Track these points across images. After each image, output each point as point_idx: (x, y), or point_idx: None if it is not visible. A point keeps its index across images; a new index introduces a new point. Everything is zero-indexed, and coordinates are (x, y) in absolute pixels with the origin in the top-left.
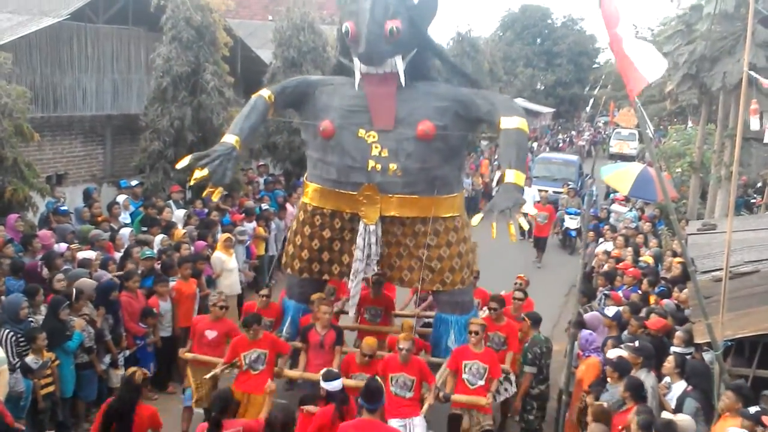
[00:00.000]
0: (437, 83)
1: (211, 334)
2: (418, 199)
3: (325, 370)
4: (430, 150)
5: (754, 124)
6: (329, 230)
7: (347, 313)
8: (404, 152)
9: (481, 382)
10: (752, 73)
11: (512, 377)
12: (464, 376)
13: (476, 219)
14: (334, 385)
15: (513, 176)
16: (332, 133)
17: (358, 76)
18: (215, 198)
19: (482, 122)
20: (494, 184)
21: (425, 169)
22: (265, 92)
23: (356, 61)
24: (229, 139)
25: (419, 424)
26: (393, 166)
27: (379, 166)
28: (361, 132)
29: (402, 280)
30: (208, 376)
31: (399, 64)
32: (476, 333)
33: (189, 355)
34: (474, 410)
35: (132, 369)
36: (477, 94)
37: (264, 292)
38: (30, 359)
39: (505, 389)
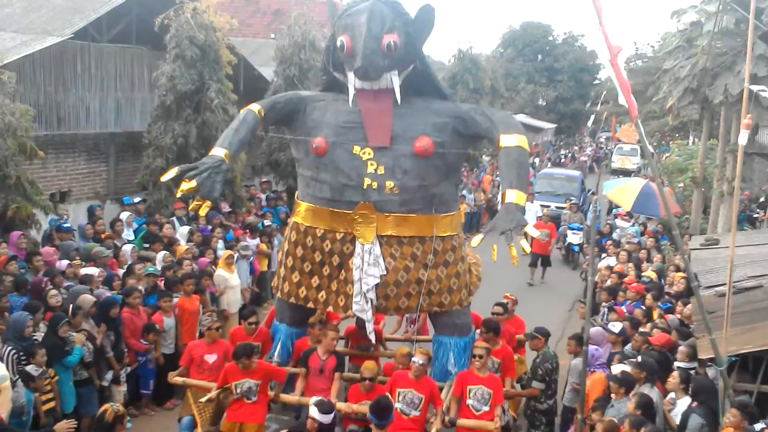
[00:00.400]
0: (434, 99)
1: (210, 358)
2: (415, 218)
3: (318, 400)
4: (428, 167)
5: (742, 138)
6: (319, 252)
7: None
8: (401, 169)
9: (486, 408)
10: (753, 87)
11: (506, 405)
12: (468, 401)
13: (476, 240)
14: (327, 418)
15: (514, 196)
16: (325, 151)
17: (352, 91)
18: (202, 213)
19: (482, 139)
20: (498, 199)
21: (423, 187)
22: (254, 106)
23: (350, 76)
24: (218, 152)
25: None
26: (390, 183)
27: (375, 184)
28: (356, 149)
29: (399, 309)
30: (203, 399)
31: (395, 79)
32: (480, 357)
33: (179, 380)
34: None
35: (104, 407)
36: (476, 110)
37: (252, 319)
38: (31, 367)
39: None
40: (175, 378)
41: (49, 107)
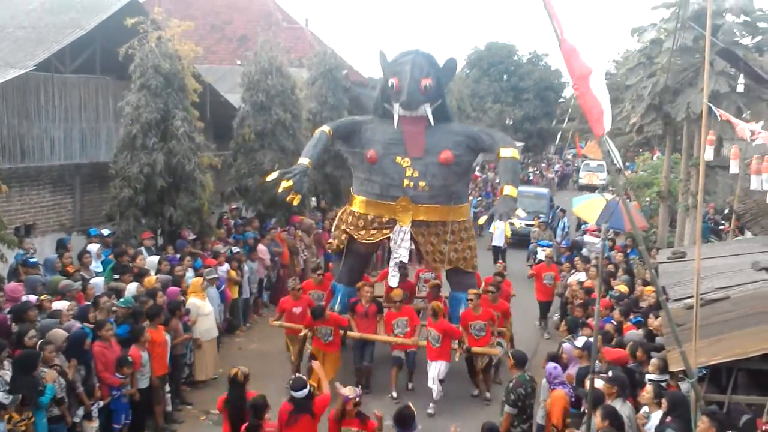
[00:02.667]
0: (453, 123)
1: (297, 310)
2: (440, 208)
3: (294, 378)
4: (449, 172)
5: (709, 154)
6: (369, 231)
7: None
8: (430, 174)
9: (483, 334)
10: (711, 105)
11: (504, 342)
12: (471, 331)
13: (482, 219)
14: (300, 393)
15: (509, 190)
16: (376, 160)
17: (396, 117)
18: (296, 202)
19: (485, 152)
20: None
21: (445, 186)
22: (325, 128)
23: (396, 106)
24: (303, 161)
25: (444, 366)
26: (422, 183)
27: (411, 184)
28: (398, 159)
29: (434, 262)
30: (300, 334)
31: (428, 110)
32: (471, 300)
33: (276, 323)
34: (481, 356)
35: None
36: (482, 131)
37: (319, 271)
38: (0, 395)
39: (499, 343)
40: (273, 322)
41: (12, 140)
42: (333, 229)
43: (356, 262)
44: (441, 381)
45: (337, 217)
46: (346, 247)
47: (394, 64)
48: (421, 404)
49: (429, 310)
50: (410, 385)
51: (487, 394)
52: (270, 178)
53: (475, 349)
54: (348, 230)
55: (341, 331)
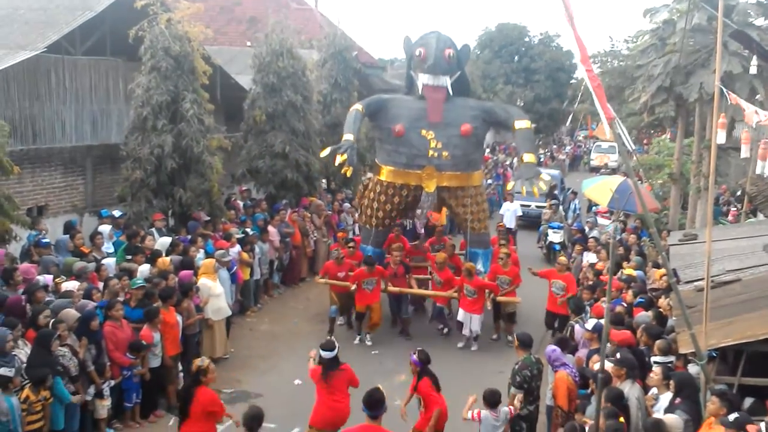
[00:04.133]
0: (469, 98)
1: (341, 274)
2: (460, 174)
3: (325, 341)
4: (468, 142)
5: (720, 137)
6: (398, 197)
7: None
8: (452, 144)
9: (507, 287)
10: (723, 88)
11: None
12: (498, 283)
13: (510, 184)
14: (329, 354)
15: (529, 157)
16: (403, 133)
17: (420, 85)
18: (349, 173)
19: (500, 125)
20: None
21: (465, 155)
22: (358, 106)
23: (421, 75)
24: (349, 137)
25: (478, 319)
26: (445, 153)
27: (436, 154)
28: (423, 131)
29: (464, 222)
30: (351, 288)
31: (447, 81)
32: (502, 258)
33: (322, 281)
34: (505, 305)
35: None
36: (497, 106)
37: (351, 244)
38: (3, 369)
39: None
40: (319, 279)
41: (24, 121)
42: (359, 201)
43: (383, 229)
44: (475, 338)
45: (362, 190)
46: (375, 215)
47: (419, 40)
48: (454, 340)
49: (464, 270)
50: (445, 330)
51: (509, 338)
52: (324, 154)
53: (500, 298)
54: (378, 199)
55: (383, 284)
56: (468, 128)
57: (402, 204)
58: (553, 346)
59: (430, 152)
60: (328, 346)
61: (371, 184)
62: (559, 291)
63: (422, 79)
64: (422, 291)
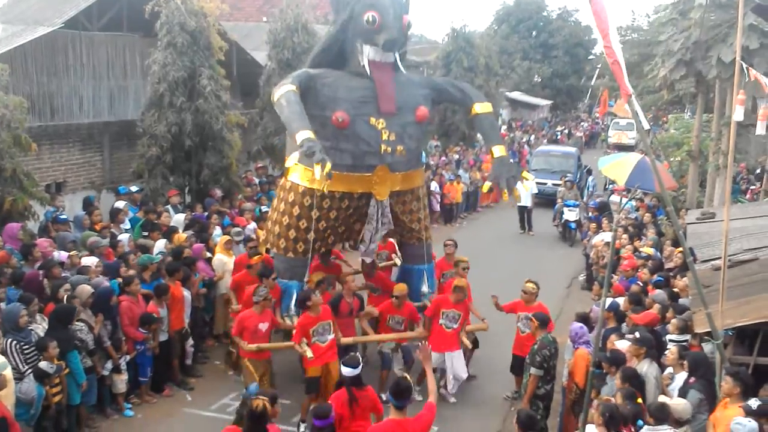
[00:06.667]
0: (410, 73)
1: (263, 327)
2: (412, 173)
3: (348, 356)
4: (422, 131)
5: (738, 115)
6: (336, 211)
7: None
8: (407, 135)
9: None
10: (743, 63)
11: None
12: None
13: (486, 185)
14: (352, 372)
15: (500, 150)
16: (347, 124)
17: (365, 62)
18: (327, 187)
19: (454, 105)
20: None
21: (417, 148)
22: (291, 86)
23: (366, 48)
24: (307, 133)
25: (458, 355)
26: (400, 147)
27: (389, 149)
28: (372, 120)
29: (411, 233)
30: (308, 355)
31: (397, 56)
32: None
33: (252, 347)
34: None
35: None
36: (447, 83)
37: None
38: (45, 364)
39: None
40: (248, 346)
41: (42, 98)
42: (273, 222)
43: (306, 257)
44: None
45: (276, 201)
46: (298, 236)
47: None
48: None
49: (453, 294)
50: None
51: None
52: (290, 163)
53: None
54: (302, 214)
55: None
56: (424, 112)
57: (340, 221)
58: (580, 324)
59: (383, 147)
60: (351, 362)
61: (282, 192)
62: (526, 328)
63: (370, 54)
64: (388, 336)
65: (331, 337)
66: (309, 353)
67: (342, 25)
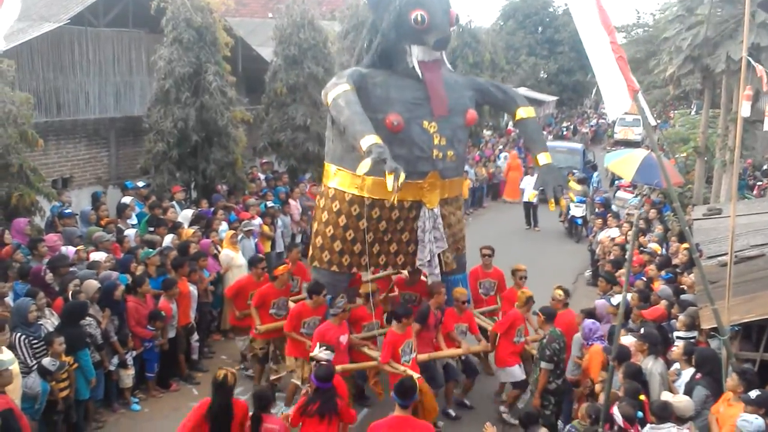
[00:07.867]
0: (453, 72)
1: (344, 339)
2: (458, 181)
3: (319, 367)
4: (466, 135)
5: (745, 110)
6: (385, 222)
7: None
8: (457, 139)
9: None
10: (750, 59)
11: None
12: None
13: (532, 194)
14: (325, 385)
15: (545, 158)
16: (402, 127)
17: (415, 63)
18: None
19: (496, 108)
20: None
21: (464, 153)
22: (345, 86)
23: (414, 48)
24: (372, 138)
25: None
26: (450, 152)
27: (441, 154)
28: (425, 123)
29: (456, 243)
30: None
31: (444, 54)
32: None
33: (339, 368)
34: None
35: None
36: (491, 84)
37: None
38: (47, 361)
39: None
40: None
41: (48, 94)
42: (315, 233)
43: (349, 273)
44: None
45: (318, 211)
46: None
47: None
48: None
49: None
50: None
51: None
52: (362, 171)
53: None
54: (349, 224)
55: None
56: (473, 115)
57: (389, 232)
58: (592, 320)
59: (435, 152)
60: (323, 374)
61: (324, 200)
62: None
63: (419, 55)
64: (457, 351)
65: (413, 356)
66: (413, 374)
67: (390, 25)
